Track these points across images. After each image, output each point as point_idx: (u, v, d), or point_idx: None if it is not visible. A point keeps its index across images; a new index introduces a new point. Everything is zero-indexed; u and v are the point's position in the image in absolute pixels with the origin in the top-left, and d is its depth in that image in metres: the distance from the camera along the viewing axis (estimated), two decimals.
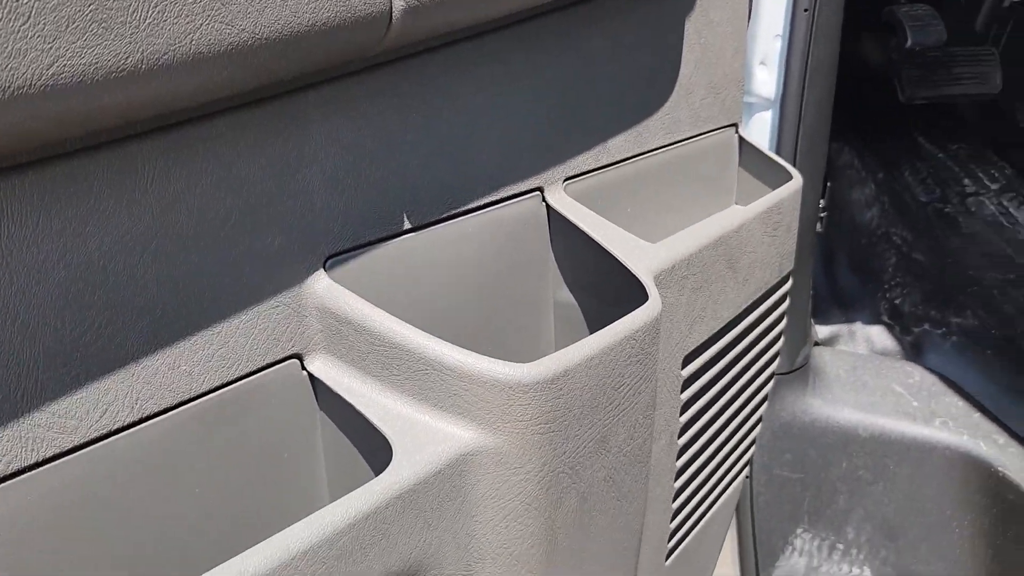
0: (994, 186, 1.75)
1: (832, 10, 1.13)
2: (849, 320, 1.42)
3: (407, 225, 0.60)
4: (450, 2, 0.54)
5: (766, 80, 1.19)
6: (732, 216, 0.83)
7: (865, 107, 1.66)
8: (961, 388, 1.27)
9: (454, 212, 0.64)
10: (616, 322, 0.59)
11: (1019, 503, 1.11)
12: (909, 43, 1.43)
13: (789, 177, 0.98)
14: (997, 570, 1.18)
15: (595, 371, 0.57)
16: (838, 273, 1.52)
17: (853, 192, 1.65)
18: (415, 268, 0.61)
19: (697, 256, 0.75)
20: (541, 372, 0.53)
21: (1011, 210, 1.70)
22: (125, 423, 0.46)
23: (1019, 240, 1.63)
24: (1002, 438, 1.17)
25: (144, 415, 0.47)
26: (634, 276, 0.66)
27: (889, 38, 1.51)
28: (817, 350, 1.31)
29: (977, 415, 1.21)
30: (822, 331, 1.39)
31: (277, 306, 0.53)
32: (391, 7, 0.51)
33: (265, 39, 0.44)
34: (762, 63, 1.18)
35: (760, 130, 1.22)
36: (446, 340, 0.53)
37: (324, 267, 0.55)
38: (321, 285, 0.54)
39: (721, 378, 0.86)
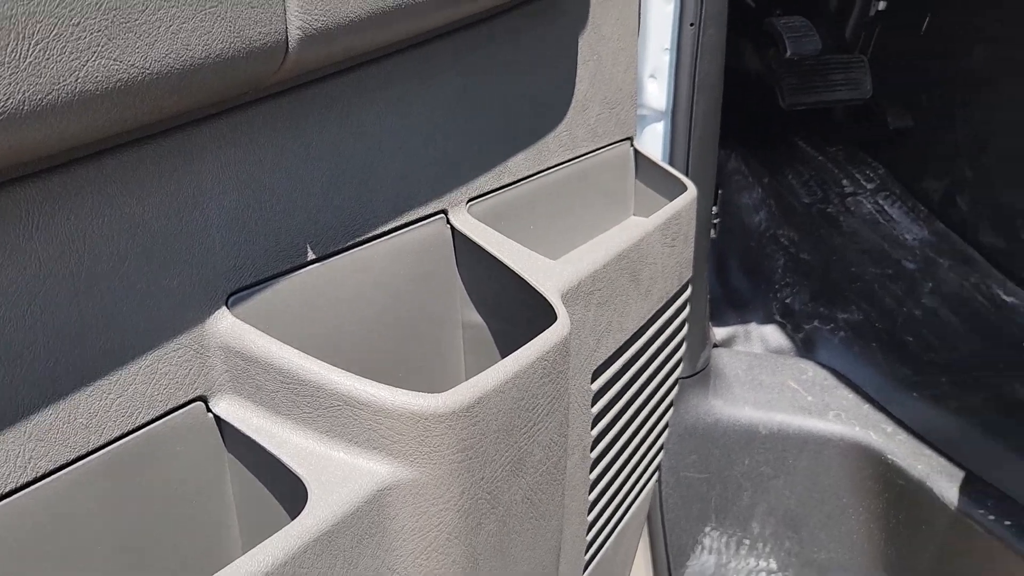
0: (870, 185, 1.85)
1: (716, 25, 1.17)
2: (744, 321, 1.47)
3: (311, 256, 0.59)
4: (347, 28, 0.54)
5: (656, 92, 1.22)
6: (632, 230, 0.85)
7: (748, 114, 1.72)
8: (851, 381, 1.33)
9: (359, 240, 0.63)
10: (527, 344, 0.60)
11: (907, 488, 1.18)
12: (788, 53, 1.50)
13: (684, 188, 1.01)
14: (891, 552, 1.24)
15: (509, 395, 0.57)
16: (731, 276, 1.57)
17: (742, 197, 1.71)
18: (321, 300, 0.60)
19: (601, 272, 0.76)
20: (456, 401, 0.53)
21: (886, 207, 1.80)
22: (17, 485, 0.43)
23: (894, 236, 1.73)
24: (889, 427, 1.24)
25: (38, 474, 0.44)
26: (541, 296, 0.67)
27: (768, 48, 1.58)
28: (716, 352, 1.36)
29: (867, 406, 1.28)
30: (720, 333, 1.44)
31: (178, 348, 0.51)
32: (287, 36, 0.50)
33: (156, 74, 0.42)
34: (652, 76, 1.21)
35: (653, 141, 1.25)
36: (357, 373, 0.52)
37: (226, 305, 0.53)
38: (224, 324, 0.52)
39: (629, 388, 0.88)
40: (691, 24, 1.16)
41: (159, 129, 0.48)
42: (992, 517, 1.11)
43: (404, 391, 0.51)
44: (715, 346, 1.39)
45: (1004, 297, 1.62)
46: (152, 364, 0.49)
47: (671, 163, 1.23)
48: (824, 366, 1.36)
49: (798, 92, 1.60)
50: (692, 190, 0.99)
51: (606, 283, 0.77)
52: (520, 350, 0.59)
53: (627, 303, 0.83)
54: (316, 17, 0.51)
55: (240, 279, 0.54)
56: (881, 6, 1.41)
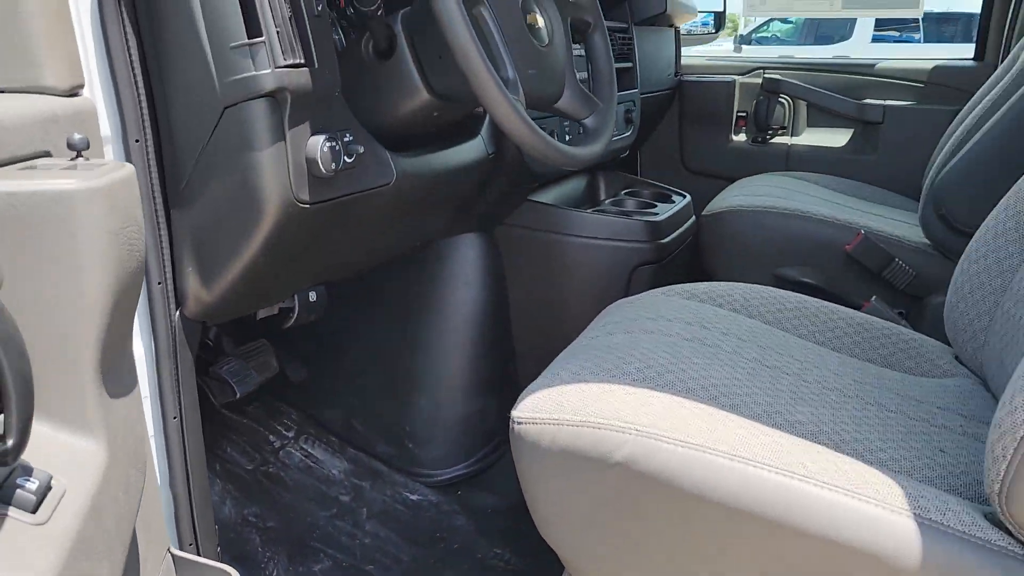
0: (290, 433, 2.25)
1: (193, 413, 1.42)
2: None
3: None
4: None
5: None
6: None
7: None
8: None
9: None
10: None
11: None
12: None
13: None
14: None
15: None
16: None
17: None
18: None
19: None
20: None
21: (310, 450, 2.21)
22: None
23: (325, 475, 2.15)
24: None
25: None
26: None
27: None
28: None
29: None
30: None
31: None
32: None
33: None
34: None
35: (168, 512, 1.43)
36: None
37: None
38: None
39: None
40: (174, 417, 1.39)
41: None
42: None
43: None
44: None
45: (411, 496, 2.18)
46: None
47: (193, 529, 1.43)
48: None
49: (224, 392, 1.91)
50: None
51: None
52: None
53: None
54: None
55: None
56: None
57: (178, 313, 1.38)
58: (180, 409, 1.39)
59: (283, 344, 2.28)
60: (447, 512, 2.14)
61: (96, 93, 1.24)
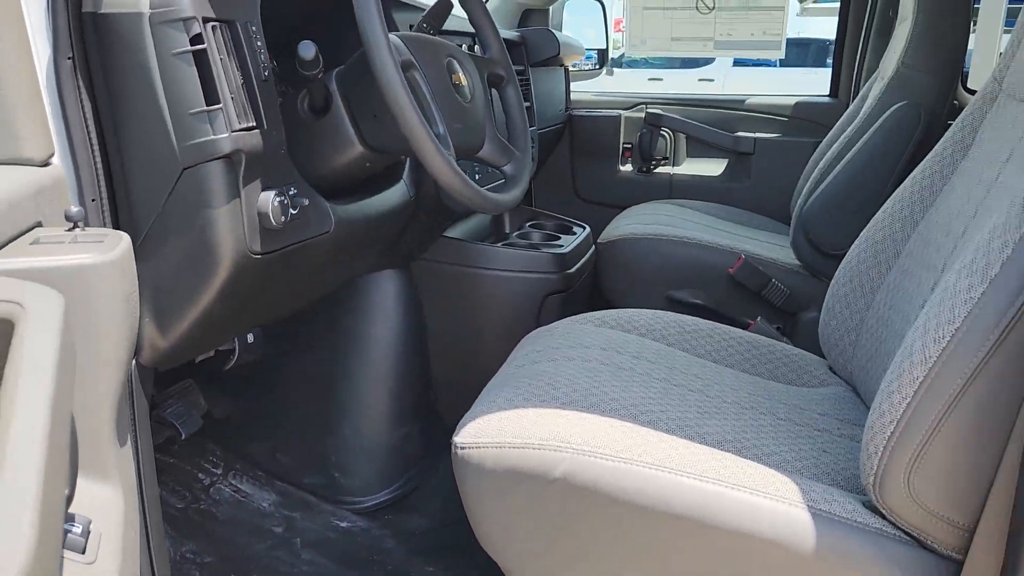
0: (218, 470, 2.29)
1: (149, 461, 1.48)
2: None
3: None
4: None
5: None
6: None
7: None
8: None
9: None
10: None
11: None
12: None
13: None
14: None
15: None
16: None
17: None
18: None
19: None
20: None
21: (239, 485, 2.27)
22: None
23: (256, 508, 2.21)
24: None
25: None
26: None
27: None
28: None
29: None
30: None
31: None
32: None
33: None
34: None
35: None
36: None
37: None
38: None
39: None
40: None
41: None
42: None
43: None
44: None
45: (341, 524, 2.27)
46: None
47: (151, 567, 1.49)
48: None
49: (158, 435, 1.95)
50: None
51: None
52: None
53: None
54: None
55: None
56: None
57: (134, 361, 1.44)
58: (137, 454, 1.46)
59: (205, 381, 2.32)
60: (378, 536, 2.24)
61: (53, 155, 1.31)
